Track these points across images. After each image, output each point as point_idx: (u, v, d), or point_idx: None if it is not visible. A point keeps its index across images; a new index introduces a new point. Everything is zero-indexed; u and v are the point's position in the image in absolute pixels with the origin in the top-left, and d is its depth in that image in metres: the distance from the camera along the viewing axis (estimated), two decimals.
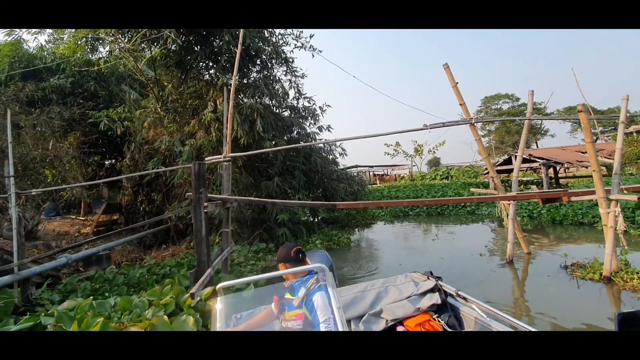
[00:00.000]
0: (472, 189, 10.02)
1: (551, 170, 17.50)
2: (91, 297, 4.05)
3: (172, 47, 8.17)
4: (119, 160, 12.79)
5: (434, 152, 39.00)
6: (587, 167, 16.88)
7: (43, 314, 3.47)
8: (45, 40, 13.86)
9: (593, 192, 4.96)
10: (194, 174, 4.72)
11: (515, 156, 17.67)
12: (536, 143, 46.28)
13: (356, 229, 12.98)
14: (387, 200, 10.55)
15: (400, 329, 2.52)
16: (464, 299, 2.55)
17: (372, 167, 45.77)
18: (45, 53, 12.72)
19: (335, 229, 11.97)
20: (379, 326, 2.54)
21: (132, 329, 2.83)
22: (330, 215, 14.38)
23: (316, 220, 12.92)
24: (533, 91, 6.81)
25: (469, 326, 2.47)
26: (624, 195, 4.73)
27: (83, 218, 13.36)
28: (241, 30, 7.03)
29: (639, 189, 5.27)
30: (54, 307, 3.96)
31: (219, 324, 1.84)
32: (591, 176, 17.59)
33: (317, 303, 1.92)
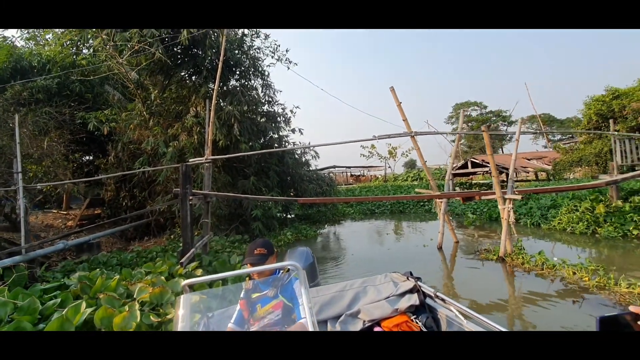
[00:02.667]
0: (416, 190, 11.54)
1: (504, 174, 19.60)
2: (98, 269, 5.11)
3: (157, 57, 9.08)
4: (99, 158, 13.45)
5: (407, 154, 41.04)
6: (528, 173, 19.05)
7: (63, 280, 4.52)
8: (26, 38, 14.16)
9: (494, 193, 6.49)
10: (181, 173, 5.84)
11: (471, 161, 19.63)
12: (502, 149, 49.57)
13: (325, 225, 14.30)
14: (338, 197, 11.91)
15: (377, 329, 2.48)
16: (442, 300, 2.53)
17: (349, 167, 47.37)
18: (32, 53, 13.20)
19: (307, 224, 13.27)
20: (355, 327, 2.52)
21: (139, 285, 3.95)
22: (303, 212, 15.70)
23: (288, 216, 14.20)
24: (464, 110, 8.34)
25: (446, 327, 2.44)
26: (514, 195, 6.28)
27: (65, 212, 13.92)
28: (223, 43, 8.16)
29: (526, 191, 6.86)
30: (65, 278, 4.97)
31: (181, 324, 1.68)
32: (534, 180, 19.82)
33: (297, 289, 1.92)
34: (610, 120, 9.74)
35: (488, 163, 17.88)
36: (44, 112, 10.56)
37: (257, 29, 12.02)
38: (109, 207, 12.67)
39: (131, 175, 11.20)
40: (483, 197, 6.83)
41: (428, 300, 2.68)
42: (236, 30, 11.66)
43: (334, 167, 46.67)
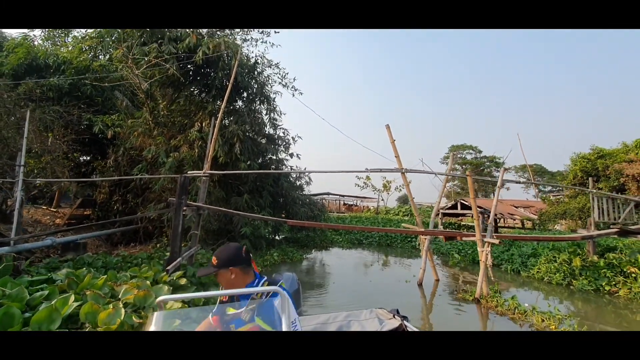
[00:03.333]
0: (403, 224, 11.83)
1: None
2: (84, 269, 5.22)
3: (171, 72, 9.61)
4: (97, 159, 13.67)
5: (400, 189, 41.58)
6: (514, 220, 19.52)
7: (50, 275, 4.63)
8: (44, 38, 14.72)
9: (474, 235, 6.80)
10: (179, 184, 6.09)
11: (460, 203, 20.08)
12: (493, 193, 50.65)
13: (313, 250, 14.38)
14: (327, 223, 12.12)
15: None
16: None
17: (343, 196, 47.65)
18: (48, 52, 13.75)
19: (294, 247, 13.37)
20: None
21: (125, 286, 4.09)
22: (292, 235, 15.82)
23: (277, 237, 14.33)
24: (453, 154, 8.83)
25: None
26: (492, 239, 6.59)
27: (54, 209, 13.90)
28: (234, 67, 8.71)
29: (504, 237, 7.19)
30: (52, 274, 5.07)
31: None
32: (520, 227, 20.25)
33: (278, 308, 1.59)
34: (590, 179, 10.29)
35: (478, 207, 18.36)
36: (52, 110, 10.89)
37: (271, 60, 12.77)
38: (100, 209, 12.73)
39: (127, 180, 11.39)
40: (464, 238, 7.13)
41: None
42: (248, 55, 12.38)
43: (328, 194, 46.98)
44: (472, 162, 50.15)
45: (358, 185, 42.31)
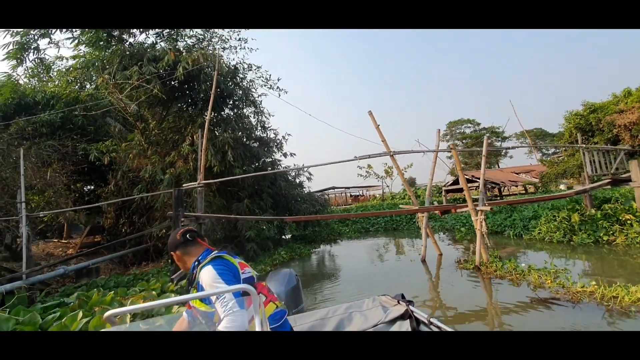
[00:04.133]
0: (400, 206, 11.97)
1: (496, 189, 20.08)
2: (95, 289, 5.49)
3: (155, 92, 9.83)
4: (100, 187, 14.01)
5: (405, 170, 41.58)
6: (517, 186, 19.51)
7: (62, 299, 4.90)
8: (29, 76, 14.97)
9: (467, 206, 6.93)
10: (174, 197, 6.33)
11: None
12: (497, 164, 50.27)
13: (321, 244, 14.60)
14: (323, 215, 12.29)
15: None
16: (438, 327, 2.24)
17: (348, 188, 47.82)
18: (35, 89, 14.06)
19: (302, 244, 13.60)
20: None
21: (131, 299, 4.34)
22: (299, 233, 16.09)
23: (284, 237, 14.59)
24: (440, 129, 8.93)
25: None
26: (485, 207, 6.72)
27: (65, 241, 14.31)
28: (215, 77, 8.91)
29: (496, 203, 7.30)
30: (64, 298, 5.34)
31: None
32: (523, 193, 20.23)
33: (205, 282, 1.57)
34: (579, 134, 10.31)
35: (478, 178, 18.42)
36: (47, 145, 11.20)
37: (251, 64, 12.93)
38: (109, 234, 13.07)
39: (130, 202, 11.70)
40: (459, 210, 7.28)
41: (422, 327, 2.35)
42: (229, 63, 12.54)
43: (333, 188, 47.17)
44: (472, 136, 49.81)
45: (361, 175, 42.47)
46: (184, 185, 7.93)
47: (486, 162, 7.63)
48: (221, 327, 1.41)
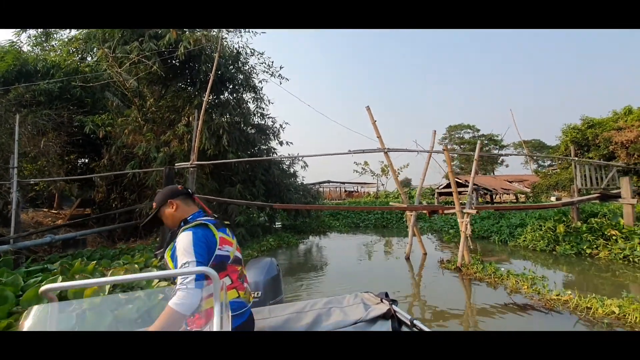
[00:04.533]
0: (390, 203, 12.07)
1: (488, 195, 20.27)
2: (79, 259, 5.53)
3: (155, 69, 9.76)
4: (94, 160, 13.94)
5: (399, 173, 41.75)
6: (508, 194, 19.70)
7: (46, 265, 4.94)
8: (33, 44, 14.82)
9: (454, 208, 7.02)
10: (165, 175, 6.35)
11: (456, 182, 20.25)
12: (493, 171, 50.57)
13: (310, 235, 14.71)
14: (311, 205, 12.39)
15: None
16: (421, 330, 2.13)
17: (343, 183, 47.91)
18: (37, 58, 13.89)
19: (291, 234, 13.70)
20: None
21: (112, 270, 4.39)
22: (290, 223, 16.19)
23: (275, 225, 14.67)
24: (435, 131, 8.97)
25: None
26: (471, 210, 6.81)
27: (55, 211, 14.27)
28: (216, 60, 8.85)
29: (483, 208, 7.40)
30: (47, 265, 5.38)
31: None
32: (514, 201, 20.43)
33: (179, 244, 1.56)
34: (572, 147, 10.42)
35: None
36: (44, 114, 11.11)
37: (254, 49, 12.83)
38: (99, 207, 13.07)
39: (122, 178, 11.68)
40: (446, 211, 7.37)
41: (404, 329, 2.26)
42: (232, 46, 12.44)
43: (328, 182, 47.19)
44: (470, 142, 50.00)
45: (356, 171, 42.59)
46: (176, 164, 7.93)
47: (480, 168, 7.72)
48: (171, 303, 1.35)
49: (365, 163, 41.88)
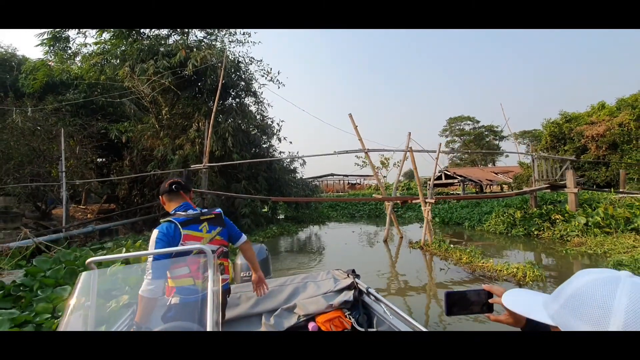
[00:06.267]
0: (373, 195, 13.60)
1: (478, 186, 21.68)
2: (130, 240, 7.25)
3: (168, 84, 11.35)
4: (114, 161, 15.68)
5: (397, 165, 43.01)
6: (493, 185, 21.09)
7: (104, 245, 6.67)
8: (57, 61, 16.34)
9: (418, 198, 8.56)
10: (185, 176, 7.98)
11: (444, 174, 21.64)
12: (493, 162, 51.50)
13: (310, 225, 16.36)
14: (304, 198, 13.97)
15: (312, 324, 2.54)
16: (375, 297, 2.60)
17: (347, 176, 49.33)
18: (62, 71, 15.57)
19: (292, 223, 15.37)
20: (290, 321, 2.56)
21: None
22: (292, 214, 17.86)
23: (279, 216, 16.38)
24: (410, 133, 10.43)
25: (376, 324, 2.55)
26: (431, 199, 8.35)
27: (83, 207, 16.14)
28: (221, 76, 10.40)
29: (441, 198, 8.90)
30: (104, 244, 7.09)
31: (77, 307, 1.50)
32: (499, 192, 21.75)
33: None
34: (531, 144, 11.79)
35: (459, 175, 19.99)
36: (71, 122, 12.80)
37: (252, 58, 14.34)
38: (123, 202, 14.86)
39: (143, 177, 13.42)
40: (414, 201, 8.92)
41: (365, 298, 2.72)
42: (234, 58, 13.95)
43: (332, 175, 48.61)
44: (471, 133, 50.95)
45: (357, 165, 44.00)
46: (191, 166, 9.57)
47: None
48: (140, 291, 1.71)
49: (366, 156, 43.17)
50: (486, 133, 51.59)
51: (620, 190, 11.14)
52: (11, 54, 16.83)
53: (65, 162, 12.31)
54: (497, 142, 50.81)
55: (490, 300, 0.85)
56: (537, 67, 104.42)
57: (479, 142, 50.56)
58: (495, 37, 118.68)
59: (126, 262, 3.97)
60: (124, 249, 5.87)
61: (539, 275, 5.53)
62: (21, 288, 4.23)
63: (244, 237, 2.30)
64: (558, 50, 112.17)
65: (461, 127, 52.54)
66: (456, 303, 0.86)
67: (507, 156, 51.38)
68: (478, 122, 51.95)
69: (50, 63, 14.11)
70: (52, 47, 13.20)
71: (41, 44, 12.71)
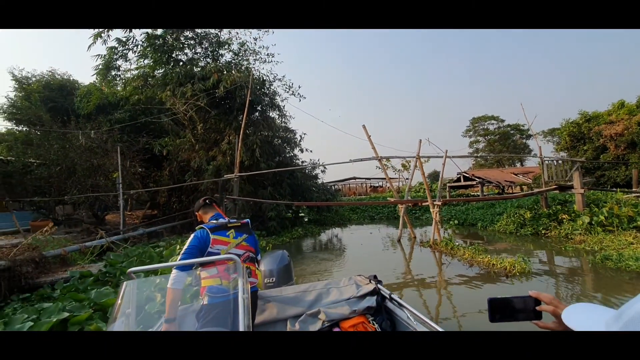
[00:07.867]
0: (387, 198, 14.38)
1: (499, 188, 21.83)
2: (173, 242, 8.64)
3: (203, 105, 12.87)
4: (154, 171, 17.53)
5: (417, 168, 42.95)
6: (513, 187, 21.13)
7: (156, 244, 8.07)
8: (106, 85, 18.36)
9: (427, 201, 9.38)
10: (220, 185, 9.29)
11: (463, 176, 21.97)
12: (521, 162, 50.13)
13: (331, 227, 17.41)
14: (323, 202, 14.97)
15: (336, 329, 2.54)
16: (398, 303, 2.62)
17: (369, 179, 49.97)
18: (111, 93, 17.61)
19: (314, 225, 16.49)
20: (314, 327, 2.57)
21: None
22: (315, 217, 18.97)
23: (305, 219, 17.57)
24: (421, 140, 11.23)
25: (400, 329, 2.54)
26: (439, 202, 9.15)
27: (129, 212, 18.11)
28: (248, 94, 11.73)
29: (448, 201, 9.65)
30: (157, 243, 8.51)
31: (121, 314, 1.70)
32: (518, 192, 21.70)
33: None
34: (539, 147, 12.14)
35: (477, 177, 20.31)
36: (120, 138, 14.64)
37: (276, 75, 15.67)
38: (163, 208, 16.61)
39: (182, 185, 15.07)
40: (424, 204, 9.74)
41: (388, 303, 2.77)
42: (258, 74, 15.33)
43: (355, 178, 49.50)
44: (495, 132, 49.98)
45: (378, 168, 44.52)
46: (225, 176, 10.93)
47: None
48: (167, 285, 2.00)
49: (387, 159, 43.65)
50: (512, 132, 50.37)
51: (633, 190, 11.34)
52: (67, 79, 19.25)
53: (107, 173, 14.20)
54: (524, 140, 49.49)
55: (538, 308, 0.81)
56: (567, 65, 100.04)
57: (504, 142, 49.53)
58: (521, 36, 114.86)
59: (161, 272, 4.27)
60: (177, 245, 7.22)
61: (525, 268, 6.26)
62: (107, 275, 5.59)
63: (259, 257, 2.58)
64: (586, 49, 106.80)
65: (485, 127, 51.69)
66: (499, 310, 0.83)
67: (535, 155, 49.52)
68: (503, 121, 50.93)
69: (103, 88, 16.09)
70: (105, 77, 15.18)
71: (97, 74, 14.71)
